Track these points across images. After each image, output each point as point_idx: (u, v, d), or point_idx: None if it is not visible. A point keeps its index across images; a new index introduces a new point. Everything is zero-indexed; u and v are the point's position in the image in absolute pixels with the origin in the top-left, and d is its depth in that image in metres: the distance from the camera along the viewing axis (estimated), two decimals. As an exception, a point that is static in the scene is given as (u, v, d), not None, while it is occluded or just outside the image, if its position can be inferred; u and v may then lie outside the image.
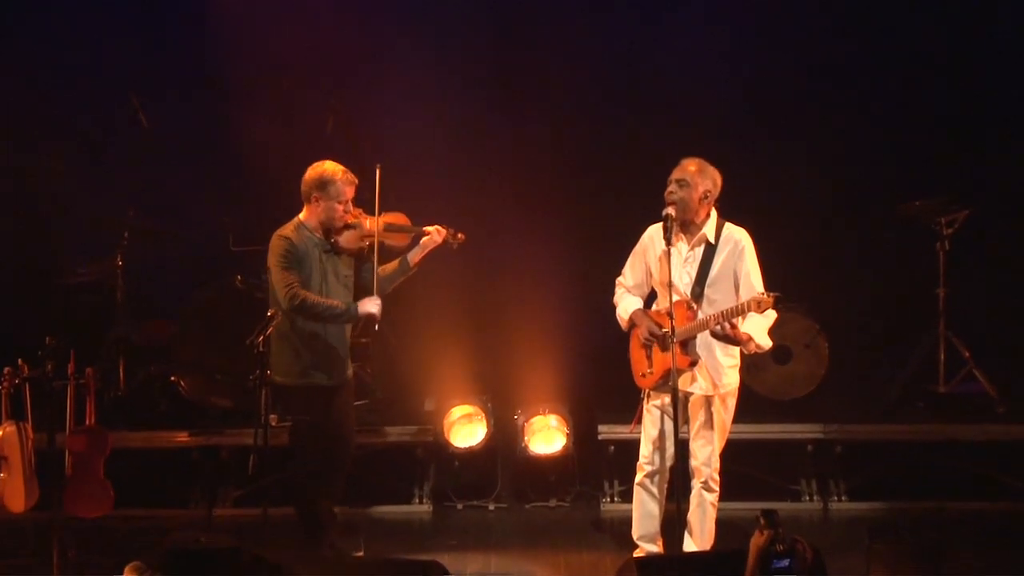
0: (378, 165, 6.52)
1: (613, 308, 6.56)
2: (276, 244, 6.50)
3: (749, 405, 7.17)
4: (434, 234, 6.59)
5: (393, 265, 6.70)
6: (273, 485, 6.67)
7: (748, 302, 5.98)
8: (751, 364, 7.79)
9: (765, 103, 9.05)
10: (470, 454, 8.24)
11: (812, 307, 8.52)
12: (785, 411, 8.40)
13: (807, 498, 8.11)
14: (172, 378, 8.51)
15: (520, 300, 8.96)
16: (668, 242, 6.11)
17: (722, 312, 6.08)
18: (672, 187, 6.19)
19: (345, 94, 8.84)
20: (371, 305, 6.43)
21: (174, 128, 9.00)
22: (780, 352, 8.41)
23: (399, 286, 6.85)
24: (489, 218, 7.97)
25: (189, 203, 8.90)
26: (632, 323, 6.40)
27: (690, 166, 6.19)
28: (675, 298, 6.10)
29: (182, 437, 8.16)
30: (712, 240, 6.22)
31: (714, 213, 6.27)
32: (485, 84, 9.12)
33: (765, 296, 5.94)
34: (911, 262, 8.85)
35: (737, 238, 6.22)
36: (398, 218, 6.73)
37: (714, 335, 6.12)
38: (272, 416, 6.94)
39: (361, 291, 6.70)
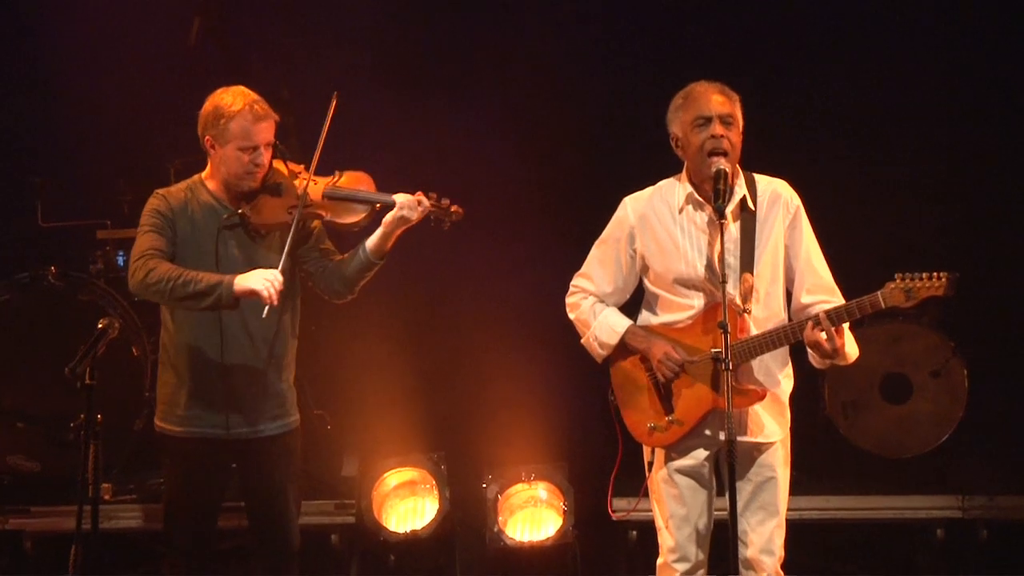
0: (335, 94, 6.43)
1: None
2: (147, 204, 6.43)
3: (847, 466, 7.42)
4: (406, 207, 6.37)
5: (346, 259, 6.54)
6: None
7: (890, 291, 5.75)
8: (849, 403, 8.15)
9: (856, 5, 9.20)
10: (414, 543, 8.08)
11: (942, 315, 8.43)
12: (902, 475, 8.34)
13: (937, 609, 8.17)
14: (-52, 427, 8.31)
15: (493, 309, 8.88)
16: (721, 214, 5.89)
17: (837, 310, 5.83)
18: (717, 127, 5.99)
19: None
20: (254, 279, 6.17)
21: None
22: (894, 384, 8.42)
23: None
24: (453, 191, 7.10)
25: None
26: (625, 349, 6.22)
27: (719, 94, 6.06)
28: (700, 301, 6.03)
29: (-36, 517, 8.14)
30: (752, 204, 6.08)
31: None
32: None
33: (925, 280, 5.73)
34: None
35: (787, 196, 6.12)
36: (353, 179, 6.57)
37: (815, 345, 5.90)
38: (105, 486, 7.34)
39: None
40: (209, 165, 6.42)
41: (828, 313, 5.85)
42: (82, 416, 6.07)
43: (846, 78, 9.08)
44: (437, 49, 9.23)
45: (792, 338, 5.92)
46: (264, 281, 6.14)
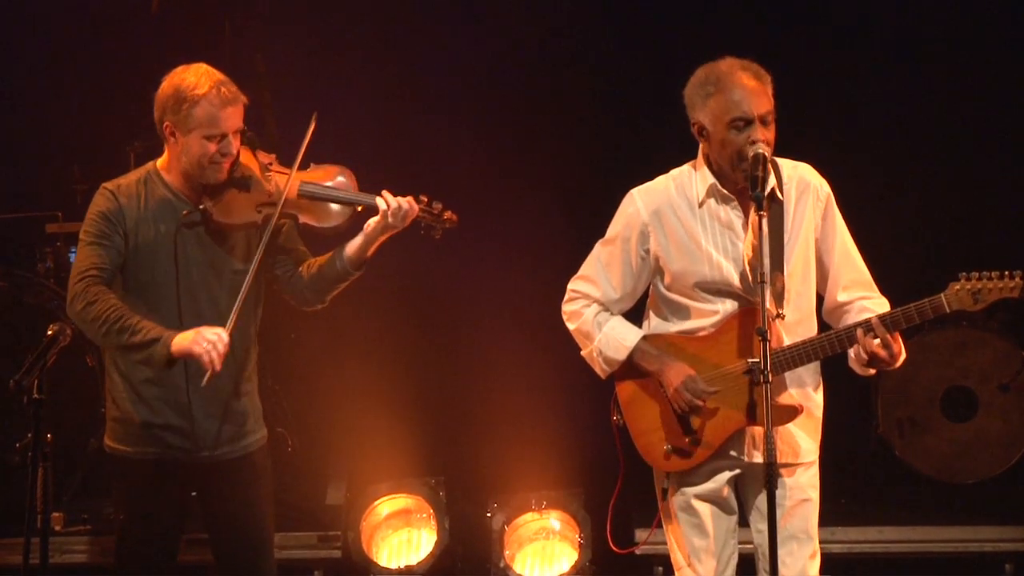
0: (314, 114, 6.29)
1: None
2: (92, 202, 6.35)
3: (902, 493, 7.58)
4: (392, 213, 6.27)
5: (318, 264, 6.42)
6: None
7: (955, 293, 5.66)
8: (906, 420, 8.16)
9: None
10: (409, 581, 7.89)
11: (1011, 319, 8.39)
12: (966, 503, 8.36)
13: (1005, 663, 8.14)
14: None
15: (496, 315, 8.92)
16: (760, 205, 5.76)
17: (893, 315, 5.74)
18: (758, 131, 5.92)
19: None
20: (195, 340, 6.06)
21: None
22: (957, 399, 8.42)
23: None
24: (444, 189, 6.98)
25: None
26: (641, 363, 6.12)
27: (755, 81, 5.99)
28: (725, 307, 5.96)
29: None
30: (779, 194, 6.02)
31: None
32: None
33: (996, 280, 5.63)
34: None
35: (817, 183, 6.08)
36: (332, 175, 6.47)
37: (870, 356, 5.81)
38: (56, 515, 7.47)
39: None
40: (167, 153, 6.28)
41: (882, 318, 5.76)
42: (29, 435, 5.96)
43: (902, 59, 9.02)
44: (427, 27, 9.24)
45: (839, 347, 5.86)
46: (206, 344, 6.05)
